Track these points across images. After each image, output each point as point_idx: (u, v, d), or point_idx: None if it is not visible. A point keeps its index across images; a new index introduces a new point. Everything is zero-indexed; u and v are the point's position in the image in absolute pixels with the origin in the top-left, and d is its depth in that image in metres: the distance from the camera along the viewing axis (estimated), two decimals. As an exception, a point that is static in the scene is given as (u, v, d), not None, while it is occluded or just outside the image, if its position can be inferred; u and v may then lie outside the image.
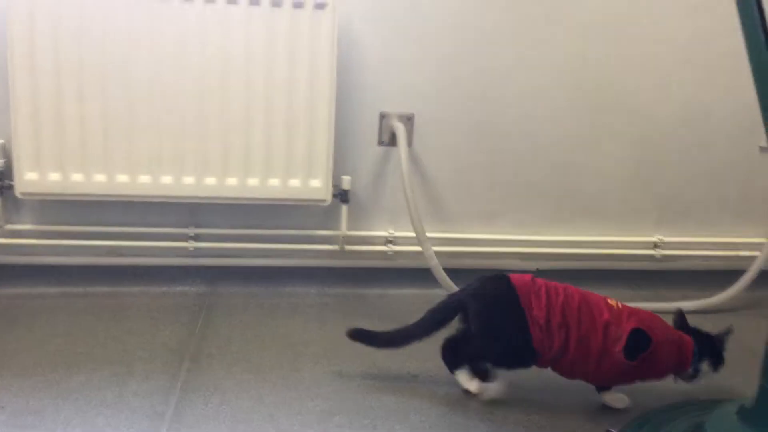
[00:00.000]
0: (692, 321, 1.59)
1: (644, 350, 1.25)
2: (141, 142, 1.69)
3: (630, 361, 1.25)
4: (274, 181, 1.75)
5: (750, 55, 0.99)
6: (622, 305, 1.31)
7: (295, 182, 1.75)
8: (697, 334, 1.32)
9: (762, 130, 1.74)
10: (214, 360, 1.48)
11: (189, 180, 1.73)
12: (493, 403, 1.34)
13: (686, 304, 1.86)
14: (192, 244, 1.82)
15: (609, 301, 1.31)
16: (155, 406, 1.29)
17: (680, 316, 1.34)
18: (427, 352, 1.39)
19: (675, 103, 1.91)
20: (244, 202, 1.76)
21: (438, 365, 1.43)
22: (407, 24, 1.80)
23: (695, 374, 1.29)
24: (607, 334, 1.25)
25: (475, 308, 1.31)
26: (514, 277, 1.31)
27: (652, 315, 1.32)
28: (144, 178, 1.71)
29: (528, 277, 1.31)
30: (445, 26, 1.81)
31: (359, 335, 1.40)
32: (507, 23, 1.83)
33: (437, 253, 1.82)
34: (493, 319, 1.30)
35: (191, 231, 1.82)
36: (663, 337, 1.27)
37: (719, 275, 1.94)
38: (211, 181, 1.73)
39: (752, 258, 1.90)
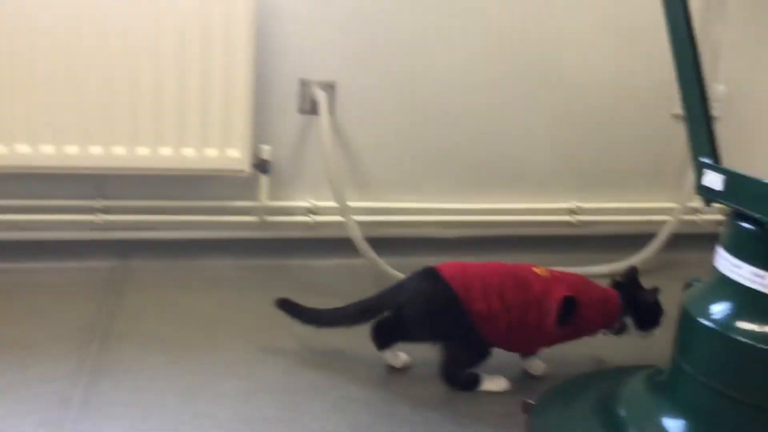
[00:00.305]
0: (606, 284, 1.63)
1: (572, 315, 1.27)
2: (43, 110, 1.58)
3: (562, 328, 1.27)
4: (188, 151, 1.67)
5: (668, 25, 0.99)
6: (549, 272, 1.31)
7: (211, 152, 1.68)
8: (627, 290, 1.34)
9: (676, 98, 1.81)
10: (126, 340, 1.41)
11: (96, 150, 1.63)
12: (414, 379, 1.34)
13: (600, 268, 1.92)
14: (100, 217, 1.73)
15: (535, 269, 1.31)
16: (62, 391, 1.22)
17: (631, 272, 1.36)
18: (350, 331, 1.36)
19: (593, 72, 1.93)
20: (157, 172, 1.68)
21: (360, 341, 1.42)
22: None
23: (621, 328, 1.33)
24: (540, 308, 1.26)
25: (414, 315, 1.28)
26: (446, 271, 1.27)
27: (577, 277, 1.34)
28: (47, 149, 1.61)
29: (458, 267, 1.28)
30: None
31: (286, 306, 1.38)
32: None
33: (360, 223, 1.80)
34: (437, 327, 1.27)
35: (99, 203, 1.73)
36: (589, 298, 1.30)
37: (633, 239, 1.99)
38: (119, 150, 1.64)
39: (664, 222, 1.97)
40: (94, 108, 1.60)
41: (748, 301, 0.87)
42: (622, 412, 1.01)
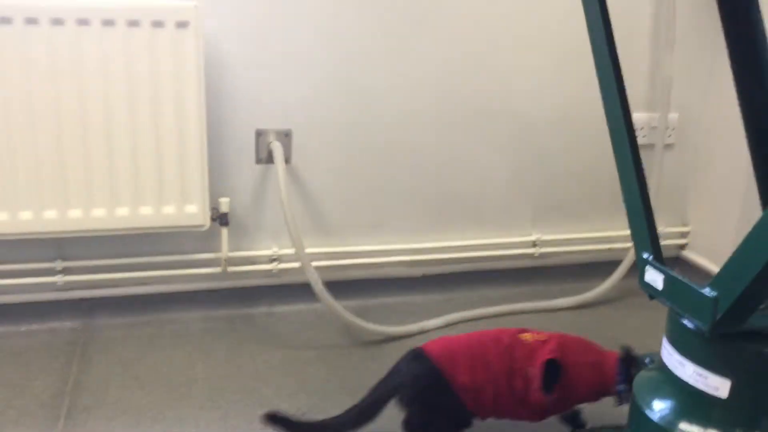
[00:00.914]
0: (570, 317, 1.62)
1: (557, 379, 1.23)
2: (-8, 176, 1.56)
3: (548, 394, 1.23)
4: (146, 210, 1.65)
5: (608, 124, 1.01)
6: (536, 336, 1.28)
7: (169, 209, 1.66)
8: (629, 358, 1.26)
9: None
10: (91, 414, 1.41)
11: (51, 214, 1.60)
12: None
13: (565, 301, 1.95)
14: (61, 279, 1.71)
15: (523, 336, 1.28)
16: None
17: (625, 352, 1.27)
18: (317, 388, 1.37)
19: (548, 104, 1.94)
20: (115, 233, 1.66)
21: (327, 399, 1.43)
22: (277, 38, 1.71)
23: (620, 398, 1.24)
24: (525, 375, 1.24)
25: (405, 399, 1.26)
26: (430, 348, 1.27)
27: (569, 338, 1.29)
28: (1, 216, 1.58)
29: (443, 341, 1.29)
30: (318, 39, 1.74)
31: (277, 421, 1.28)
32: (380, 33, 1.78)
33: (323, 268, 1.80)
34: (424, 404, 1.25)
35: (59, 265, 1.71)
36: (577, 359, 1.25)
37: (594, 268, 2.03)
38: (75, 213, 1.62)
39: (625, 249, 2.00)
40: (47, 172, 1.58)
41: (692, 400, 0.90)
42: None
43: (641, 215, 0.94)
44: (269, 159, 1.77)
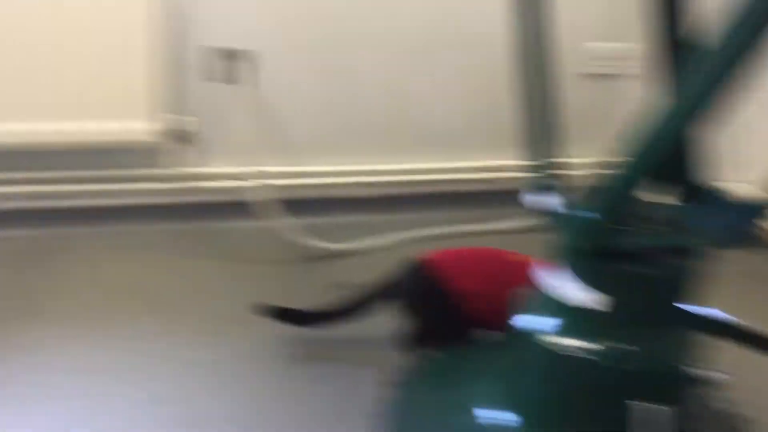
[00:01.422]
0: (517, 239, 1.66)
1: None
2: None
3: None
4: (90, 125, 1.67)
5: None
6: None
7: (114, 125, 1.68)
8: None
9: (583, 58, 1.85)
10: (39, 318, 1.45)
11: (-2, 126, 1.63)
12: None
13: (511, 223, 2.00)
14: (11, 189, 1.75)
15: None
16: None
17: None
18: (262, 299, 1.40)
19: (503, 29, 1.93)
20: (60, 148, 1.69)
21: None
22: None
23: None
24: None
25: (399, 304, 1.28)
26: (430, 257, 1.27)
27: None
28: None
29: (446, 251, 1.29)
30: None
31: (271, 312, 1.35)
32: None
33: (279, 187, 1.85)
34: (418, 308, 1.26)
35: (18, 175, 1.74)
36: None
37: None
38: (16, 127, 1.63)
39: (574, 175, 2.02)
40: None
41: (571, 316, 0.95)
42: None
43: (536, 138, 0.98)
44: (228, 78, 1.79)
